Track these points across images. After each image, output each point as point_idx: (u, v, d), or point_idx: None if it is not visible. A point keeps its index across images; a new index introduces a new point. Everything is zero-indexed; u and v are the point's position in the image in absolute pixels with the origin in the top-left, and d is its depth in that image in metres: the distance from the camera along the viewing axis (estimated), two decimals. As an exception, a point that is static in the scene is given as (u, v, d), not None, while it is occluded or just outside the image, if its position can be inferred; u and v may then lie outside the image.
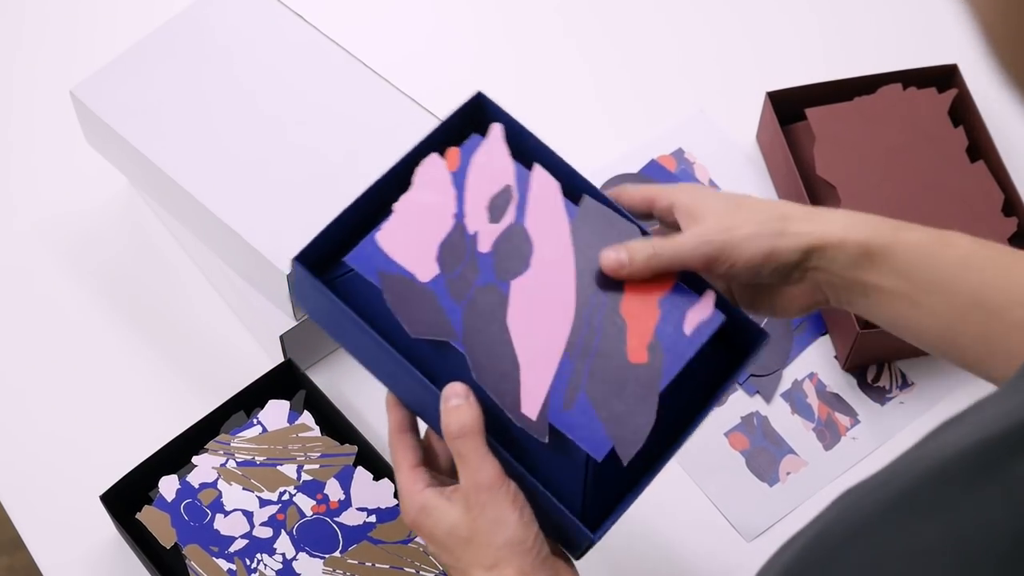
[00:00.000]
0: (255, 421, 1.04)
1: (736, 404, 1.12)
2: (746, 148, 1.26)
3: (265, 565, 0.98)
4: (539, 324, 0.80)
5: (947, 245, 0.79)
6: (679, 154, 1.25)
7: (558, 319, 0.81)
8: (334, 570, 0.98)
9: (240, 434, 1.04)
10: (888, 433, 1.11)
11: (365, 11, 1.36)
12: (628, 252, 0.79)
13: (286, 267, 1.01)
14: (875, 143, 1.17)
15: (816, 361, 1.14)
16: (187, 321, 1.16)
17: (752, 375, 1.12)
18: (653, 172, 1.23)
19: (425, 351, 0.81)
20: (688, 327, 0.81)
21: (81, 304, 1.16)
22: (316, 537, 0.99)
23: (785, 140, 1.18)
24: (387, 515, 1.00)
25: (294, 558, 0.98)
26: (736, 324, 0.83)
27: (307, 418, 1.05)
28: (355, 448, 1.03)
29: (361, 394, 1.11)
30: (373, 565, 0.98)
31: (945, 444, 0.50)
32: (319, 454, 1.03)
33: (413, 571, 0.98)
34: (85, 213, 1.21)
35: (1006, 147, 1.21)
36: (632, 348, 0.80)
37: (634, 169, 1.23)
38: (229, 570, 0.98)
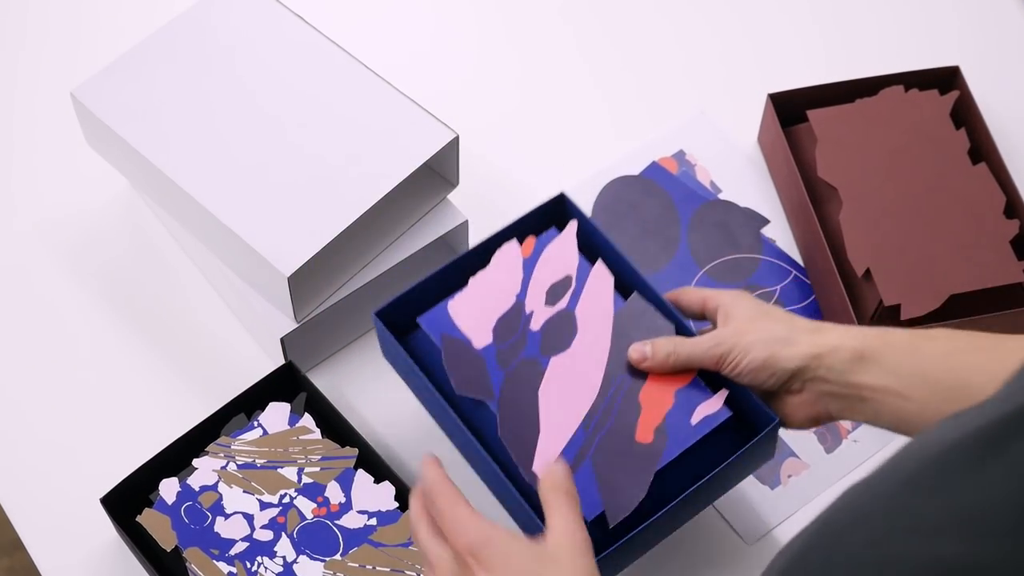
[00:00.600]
0: (256, 423, 1.04)
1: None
2: (747, 150, 1.25)
3: (266, 568, 0.98)
4: (565, 397, 0.93)
5: (930, 339, 0.86)
6: (680, 156, 1.25)
7: (583, 395, 0.93)
8: (334, 573, 0.98)
9: (241, 436, 1.04)
10: (890, 435, 1.10)
11: (367, 12, 1.36)
12: (652, 348, 0.92)
13: (287, 269, 1.00)
14: (877, 145, 1.17)
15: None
16: (188, 323, 1.15)
17: None
18: (654, 174, 1.23)
19: (468, 404, 0.96)
20: (695, 418, 0.91)
21: (81, 306, 1.16)
22: (317, 540, 0.99)
23: (787, 142, 1.18)
24: (388, 518, 1.00)
25: (295, 561, 0.98)
26: (751, 412, 0.92)
27: (308, 420, 1.04)
28: (356, 451, 1.03)
29: (362, 397, 1.11)
30: (374, 568, 0.97)
31: (945, 433, 0.51)
32: (320, 457, 1.03)
33: (413, 574, 0.97)
34: (86, 214, 1.21)
35: (1008, 149, 1.21)
36: (641, 429, 0.91)
37: (635, 171, 1.23)
38: (230, 573, 0.98)
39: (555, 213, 1.03)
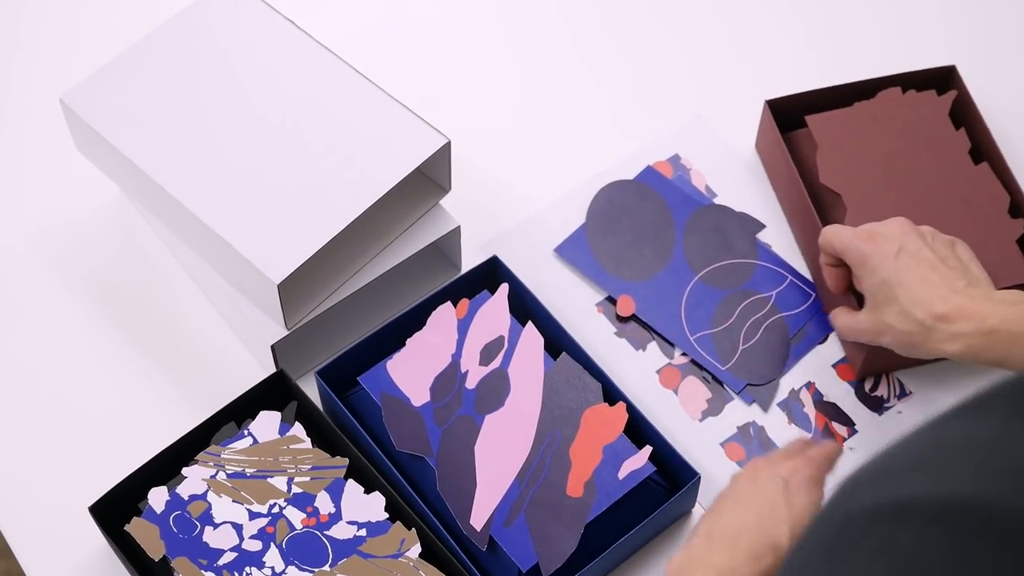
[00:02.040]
0: (246, 432, 1.03)
1: (733, 414, 1.11)
2: (744, 155, 1.24)
3: (254, 579, 0.97)
4: (500, 454, 0.99)
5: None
6: (675, 160, 1.24)
7: (516, 451, 0.99)
8: (324, 584, 0.97)
9: (230, 445, 1.03)
10: (885, 443, 1.09)
11: (361, 16, 1.35)
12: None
13: (277, 277, 1.00)
14: (877, 148, 1.16)
15: (814, 370, 1.13)
16: (178, 330, 1.15)
17: (749, 384, 1.11)
18: (649, 179, 1.22)
19: (407, 460, 1.02)
20: (622, 472, 0.99)
21: (72, 312, 1.15)
22: (306, 550, 0.98)
23: (787, 149, 1.17)
24: (377, 529, 0.99)
25: (283, 571, 0.97)
26: (673, 466, 1.01)
27: (298, 430, 1.04)
28: (346, 461, 1.02)
29: (353, 404, 1.10)
30: (363, 579, 0.97)
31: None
32: (310, 466, 1.02)
33: (404, 585, 0.97)
34: (76, 221, 1.20)
35: (1009, 148, 1.20)
36: (572, 484, 0.98)
37: (630, 176, 1.22)
38: (218, 583, 0.97)
39: (488, 276, 1.10)
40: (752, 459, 0.99)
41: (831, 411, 1.11)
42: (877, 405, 1.11)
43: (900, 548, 0.46)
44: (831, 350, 1.14)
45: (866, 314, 1.02)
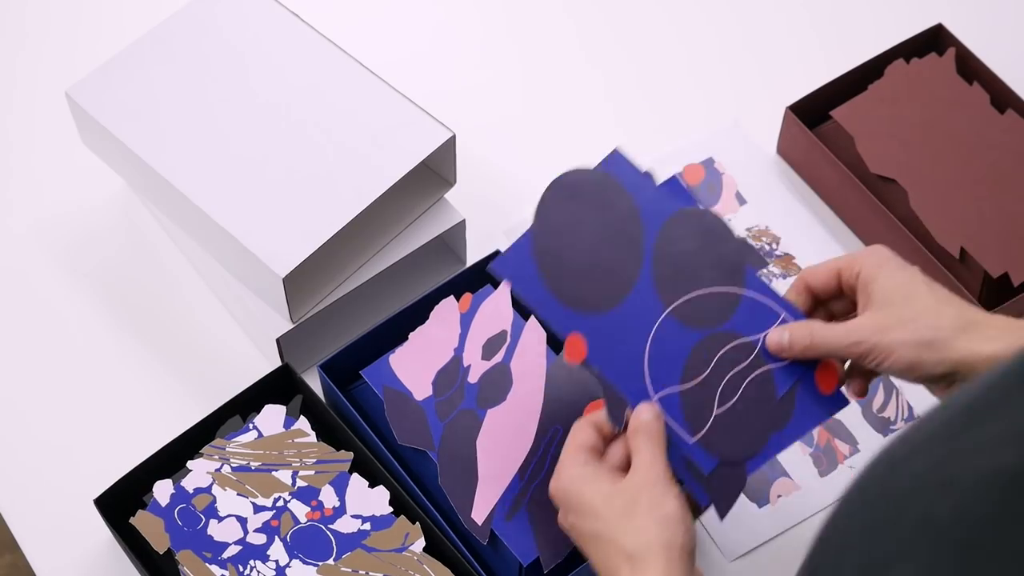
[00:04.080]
0: (251, 426, 1.04)
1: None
2: (768, 162, 1.23)
3: (258, 572, 0.97)
4: (502, 448, 0.97)
5: None
6: (708, 163, 1.22)
7: (518, 446, 0.97)
8: (328, 577, 0.97)
9: (235, 439, 1.03)
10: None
11: (367, 10, 1.35)
12: (789, 338, 0.84)
13: (283, 270, 1.00)
14: (908, 124, 1.16)
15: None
16: (184, 323, 1.15)
17: (720, 464, 1.07)
18: (616, 168, 0.94)
19: (409, 453, 1.02)
20: None
21: (77, 305, 1.16)
22: (310, 544, 0.98)
23: (826, 148, 1.17)
24: (382, 523, 0.99)
25: (287, 565, 0.98)
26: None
27: (303, 423, 1.04)
28: (351, 455, 1.02)
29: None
30: (367, 574, 0.97)
31: (996, 367, 0.51)
32: (314, 460, 1.02)
33: (408, 579, 0.97)
34: (82, 213, 1.20)
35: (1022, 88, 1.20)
36: None
37: (661, 176, 1.20)
38: (223, 576, 0.97)
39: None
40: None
41: (835, 428, 1.09)
42: (883, 426, 1.09)
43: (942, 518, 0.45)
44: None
45: (867, 316, 0.83)
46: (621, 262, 0.88)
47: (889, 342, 0.80)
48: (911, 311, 0.81)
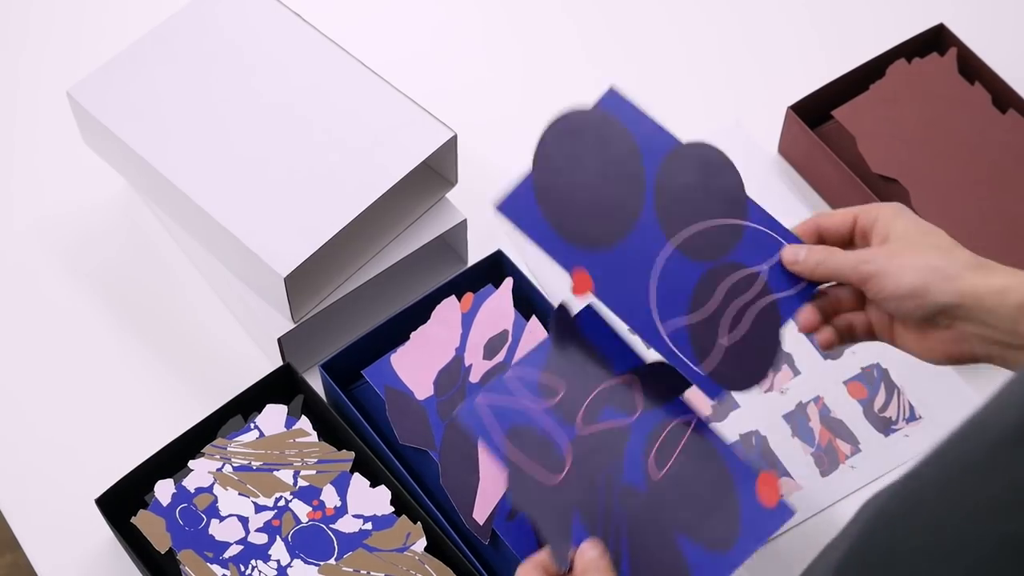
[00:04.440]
0: (252, 425, 1.04)
1: (737, 421, 1.09)
2: (769, 162, 1.23)
3: (260, 571, 0.97)
4: None
5: None
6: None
7: None
8: (330, 577, 0.97)
9: (237, 438, 1.03)
10: (888, 465, 1.07)
11: (368, 10, 1.35)
12: (805, 253, 0.85)
13: (284, 270, 1.00)
14: (909, 123, 1.17)
15: (823, 385, 1.11)
16: (185, 323, 1.15)
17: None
18: (614, 107, 0.94)
19: (411, 453, 1.02)
20: None
21: (78, 304, 1.16)
22: (311, 544, 0.98)
23: (828, 148, 1.17)
24: (383, 523, 0.99)
25: (289, 565, 0.98)
26: None
27: (304, 423, 1.04)
28: (352, 454, 1.02)
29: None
30: (368, 573, 0.97)
31: (1000, 415, 0.49)
32: (316, 460, 1.02)
33: (409, 579, 0.97)
34: (84, 213, 1.20)
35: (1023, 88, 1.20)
36: None
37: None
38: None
39: (492, 269, 1.09)
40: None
41: (837, 427, 1.09)
42: (885, 426, 1.09)
43: None
44: (844, 366, 1.12)
45: (881, 247, 0.83)
46: (623, 198, 0.89)
47: (898, 266, 0.80)
48: (926, 245, 0.81)
